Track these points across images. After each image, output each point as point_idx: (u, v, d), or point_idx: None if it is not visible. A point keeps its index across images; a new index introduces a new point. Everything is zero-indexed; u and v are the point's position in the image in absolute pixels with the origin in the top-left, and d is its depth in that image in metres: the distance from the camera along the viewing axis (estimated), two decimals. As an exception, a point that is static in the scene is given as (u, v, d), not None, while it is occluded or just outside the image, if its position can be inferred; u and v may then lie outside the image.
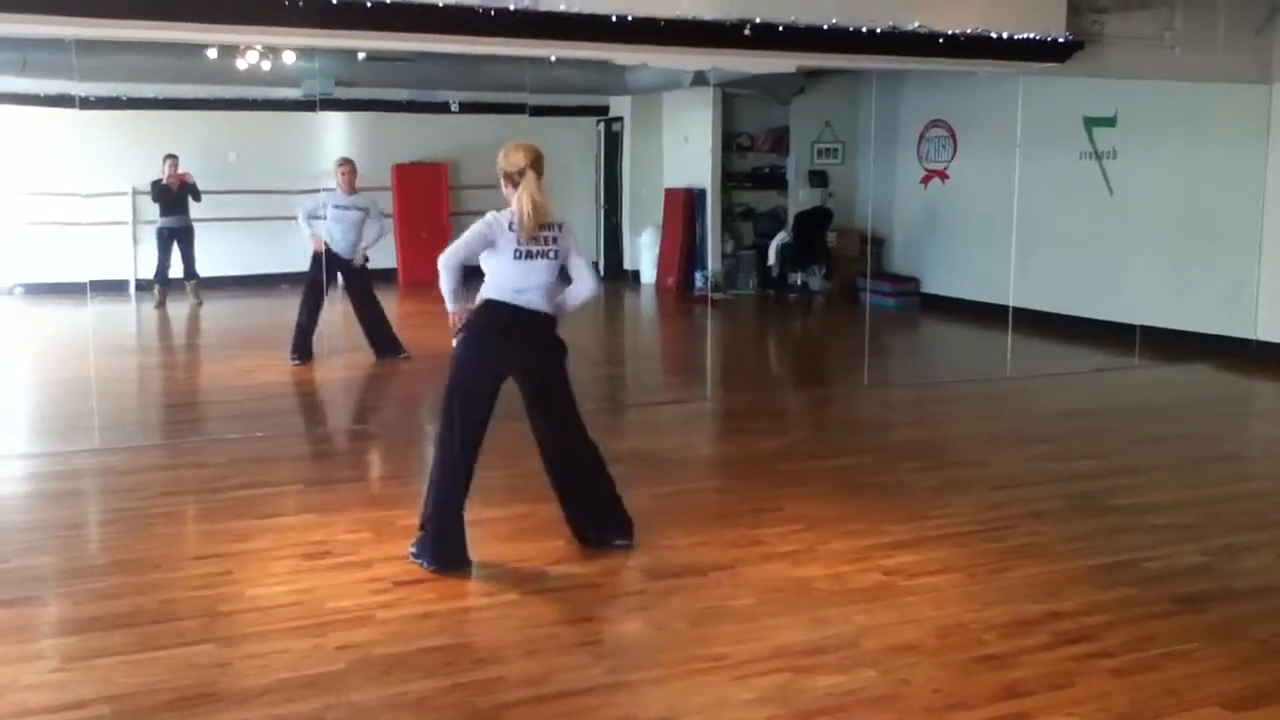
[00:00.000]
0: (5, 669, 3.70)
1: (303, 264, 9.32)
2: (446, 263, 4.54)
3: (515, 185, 4.55)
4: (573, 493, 4.85)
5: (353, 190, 9.07)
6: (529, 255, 4.54)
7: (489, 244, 4.54)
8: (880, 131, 13.04)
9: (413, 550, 4.68)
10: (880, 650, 3.85)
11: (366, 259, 9.35)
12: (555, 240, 4.60)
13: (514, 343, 4.62)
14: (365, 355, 9.56)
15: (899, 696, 3.51)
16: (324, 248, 9.01)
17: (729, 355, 10.21)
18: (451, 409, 4.58)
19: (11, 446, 6.79)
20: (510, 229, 4.52)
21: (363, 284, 9.37)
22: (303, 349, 9.20)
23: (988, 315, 10.90)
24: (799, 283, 13.63)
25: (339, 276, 9.33)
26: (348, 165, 9.13)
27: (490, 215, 4.58)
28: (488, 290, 4.61)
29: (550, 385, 4.73)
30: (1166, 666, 3.73)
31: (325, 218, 9.11)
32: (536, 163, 4.55)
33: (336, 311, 9.61)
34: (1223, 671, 3.70)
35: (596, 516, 4.85)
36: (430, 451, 7.09)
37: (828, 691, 3.54)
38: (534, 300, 4.59)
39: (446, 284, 4.56)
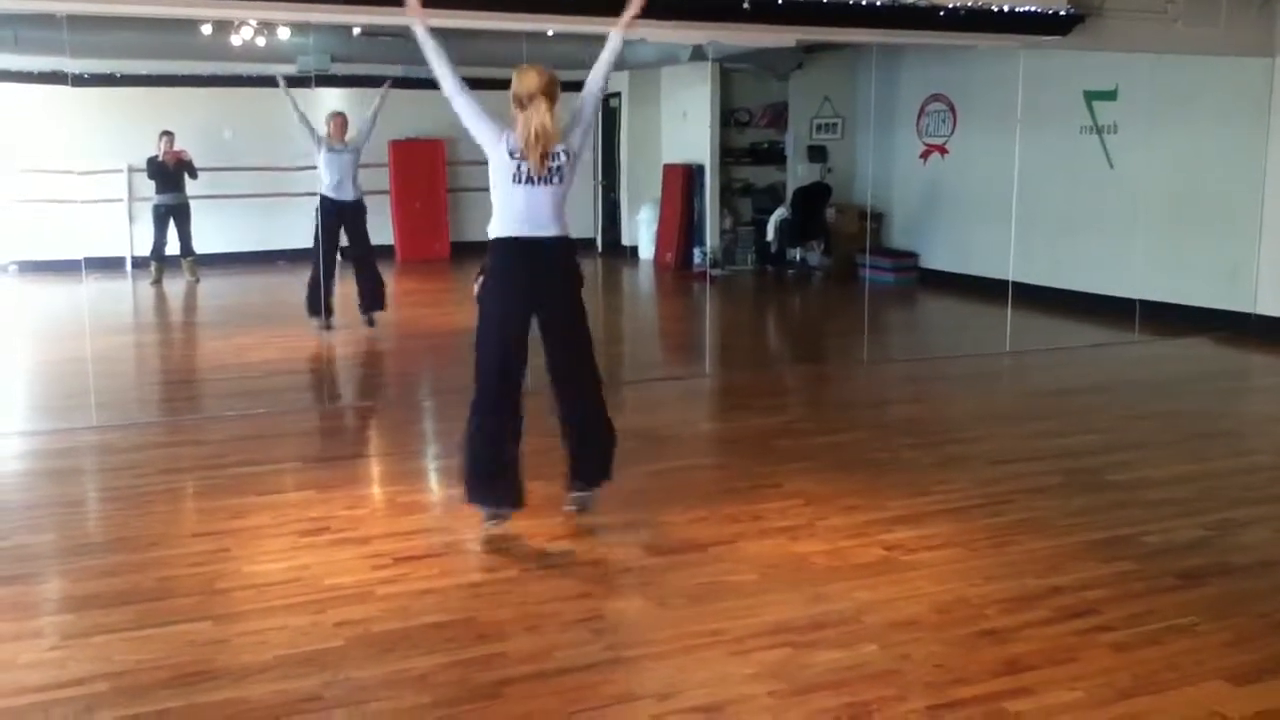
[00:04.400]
0: (3, 646, 3.69)
1: (299, 241, 9.32)
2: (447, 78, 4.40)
3: (524, 110, 4.37)
4: (574, 430, 4.75)
5: (342, 140, 9.55)
6: (531, 181, 4.38)
7: (486, 138, 4.39)
8: (879, 106, 12.97)
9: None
10: (881, 625, 3.84)
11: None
12: (560, 170, 4.42)
13: (532, 276, 4.46)
14: (366, 330, 9.54)
15: (900, 671, 3.50)
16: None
17: (728, 331, 10.19)
18: (484, 356, 4.48)
19: (9, 424, 6.77)
20: (512, 155, 4.37)
21: (359, 224, 9.54)
22: (317, 305, 9.28)
23: (987, 290, 10.87)
24: (798, 258, 13.59)
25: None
26: (339, 116, 9.59)
27: (505, 131, 4.40)
28: (495, 226, 4.47)
29: (567, 319, 4.58)
30: (1168, 641, 3.73)
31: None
32: (549, 88, 4.35)
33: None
34: (1224, 646, 3.70)
35: (580, 462, 4.79)
36: (429, 427, 7.22)
37: (828, 667, 3.53)
38: (543, 226, 4.43)
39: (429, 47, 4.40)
